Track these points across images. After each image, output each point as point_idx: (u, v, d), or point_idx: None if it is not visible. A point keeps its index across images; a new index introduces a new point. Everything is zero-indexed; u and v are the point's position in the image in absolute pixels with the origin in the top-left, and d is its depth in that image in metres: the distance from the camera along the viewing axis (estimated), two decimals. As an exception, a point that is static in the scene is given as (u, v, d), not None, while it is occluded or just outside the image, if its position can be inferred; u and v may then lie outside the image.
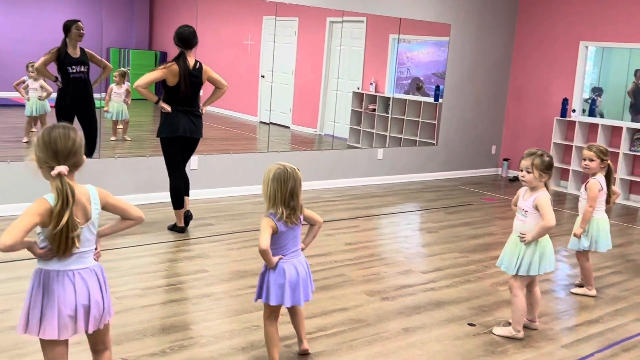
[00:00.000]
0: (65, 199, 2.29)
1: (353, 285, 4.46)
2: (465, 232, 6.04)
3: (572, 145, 8.40)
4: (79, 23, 5.82)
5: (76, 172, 2.40)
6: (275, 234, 3.01)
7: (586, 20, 8.41)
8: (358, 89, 8.77)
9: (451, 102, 8.78)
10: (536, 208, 3.60)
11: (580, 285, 4.67)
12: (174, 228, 5.37)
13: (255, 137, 8.61)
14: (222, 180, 6.84)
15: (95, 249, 2.48)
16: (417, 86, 9.10)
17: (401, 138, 8.75)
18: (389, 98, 8.69)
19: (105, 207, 2.48)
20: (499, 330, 3.79)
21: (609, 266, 5.27)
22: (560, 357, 3.55)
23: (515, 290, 3.71)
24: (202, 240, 5.24)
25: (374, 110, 8.74)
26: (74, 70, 5.81)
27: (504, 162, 9.28)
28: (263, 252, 2.97)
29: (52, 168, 2.31)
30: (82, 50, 5.87)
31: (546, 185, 3.65)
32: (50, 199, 2.31)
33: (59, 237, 2.30)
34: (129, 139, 7.40)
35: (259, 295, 3.12)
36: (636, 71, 8.41)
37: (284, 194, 2.97)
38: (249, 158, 7.13)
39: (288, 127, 8.66)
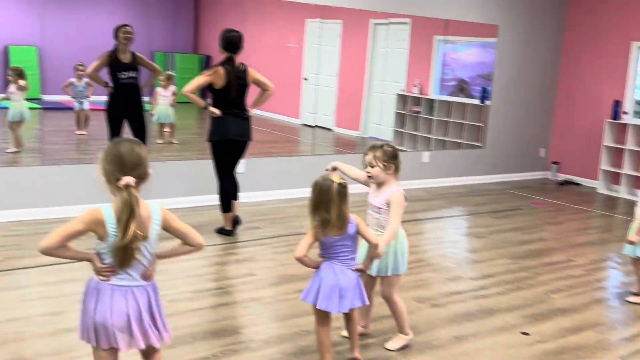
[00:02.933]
0: (132, 209, 2.26)
1: (402, 291, 4.39)
2: (515, 238, 5.90)
3: (623, 149, 8.15)
4: (126, 27, 5.80)
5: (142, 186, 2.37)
6: (319, 241, 3.05)
7: (638, 20, 8.16)
8: (402, 91, 8.70)
9: (499, 104, 8.63)
10: (388, 205, 3.37)
11: (637, 294, 4.51)
12: (221, 231, 5.37)
13: (298, 140, 8.61)
14: (267, 184, 6.84)
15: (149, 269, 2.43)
16: (460, 88, 8.98)
17: (445, 140, 8.64)
18: (433, 100, 8.59)
19: (166, 228, 2.42)
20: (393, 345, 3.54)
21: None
22: (620, 369, 3.43)
23: (394, 295, 3.50)
24: (249, 244, 5.24)
25: (417, 112, 8.65)
26: (125, 76, 5.80)
27: (552, 165, 9.08)
28: (298, 259, 3.01)
29: (119, 180, 2.28)
30: (132, 54, 5.84)
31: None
32: (106, 210, 2.28)
33: (122, 250, 2.28)
34: (176, 142, 7.48)
35: (309, 298, 3.09)
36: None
37: (314, 206, 3.01)
38: (293, 161, 7.12)
39: (331, 130, 8.63)
